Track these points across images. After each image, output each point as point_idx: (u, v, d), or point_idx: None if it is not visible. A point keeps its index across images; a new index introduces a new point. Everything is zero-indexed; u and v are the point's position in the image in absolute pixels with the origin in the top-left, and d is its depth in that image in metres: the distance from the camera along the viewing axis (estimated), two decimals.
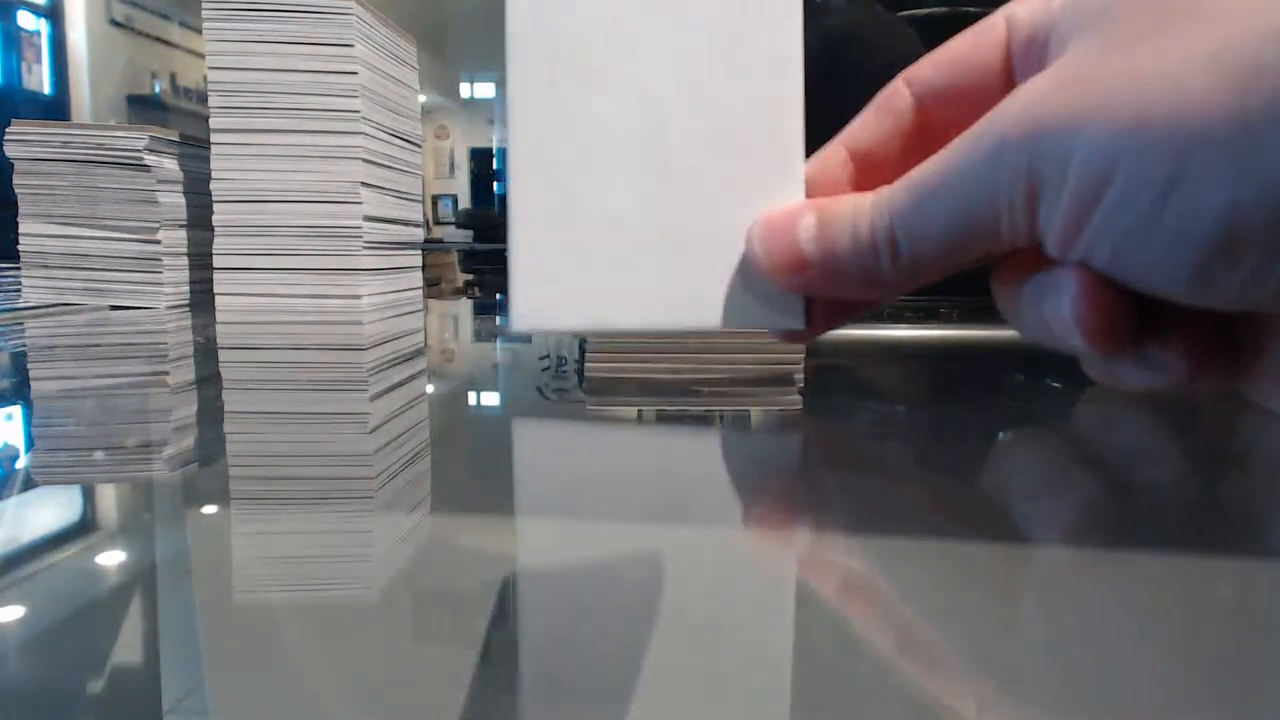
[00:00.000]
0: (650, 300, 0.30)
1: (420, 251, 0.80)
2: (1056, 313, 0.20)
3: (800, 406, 0.30)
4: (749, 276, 0.29)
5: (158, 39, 3.90)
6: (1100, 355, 0.20)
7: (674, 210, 0.30)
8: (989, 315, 0.33)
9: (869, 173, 0.27)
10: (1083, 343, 0.20)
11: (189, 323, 0.57)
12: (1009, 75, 0.23)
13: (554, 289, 0.30)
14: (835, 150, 0.28)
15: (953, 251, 0.22)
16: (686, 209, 0.30)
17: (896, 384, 0.38)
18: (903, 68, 0.27)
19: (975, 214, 0.21)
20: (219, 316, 0.58)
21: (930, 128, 0.25)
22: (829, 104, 0.30)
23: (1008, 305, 0.22)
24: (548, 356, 0.48)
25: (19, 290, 0.63)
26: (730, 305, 0.29)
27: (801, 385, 0.31)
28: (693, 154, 0.29)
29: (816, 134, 0.30)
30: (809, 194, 0.29)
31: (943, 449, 0.26)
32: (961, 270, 0.22)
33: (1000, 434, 0.28)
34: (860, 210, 0.23)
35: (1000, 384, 0.33)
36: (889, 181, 0.27)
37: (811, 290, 0.27)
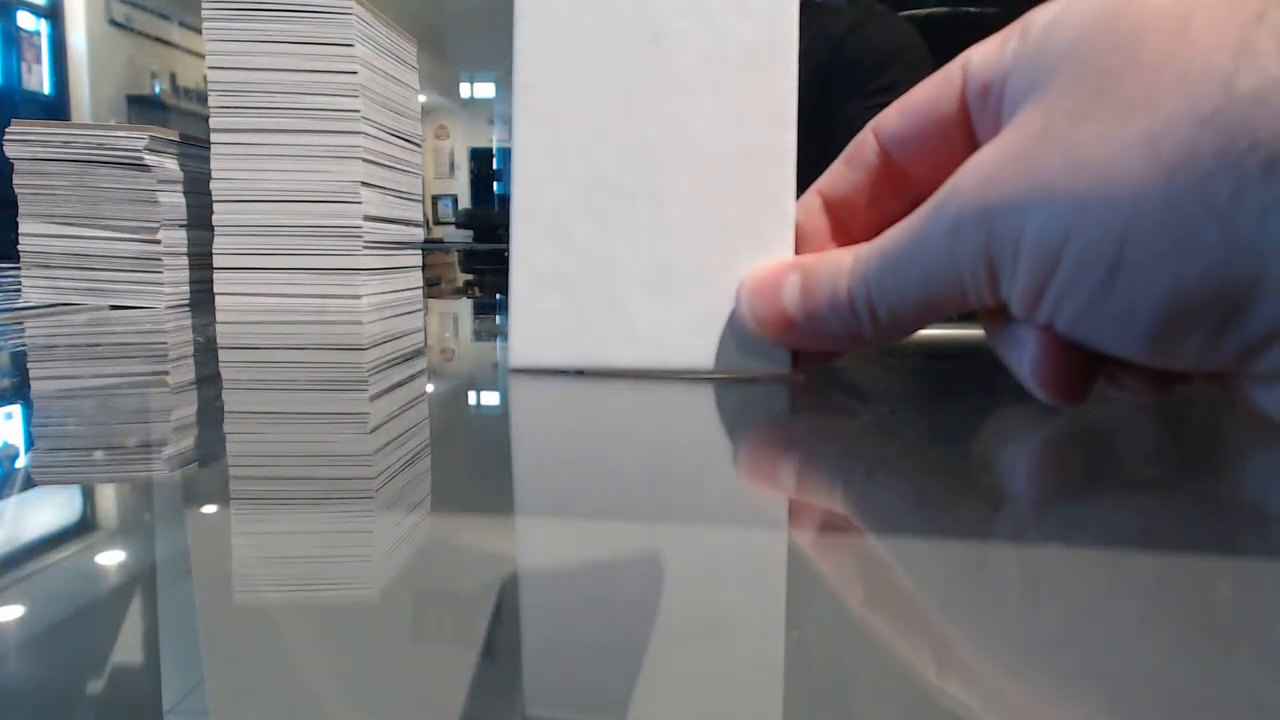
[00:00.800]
0: (643, 342, 0.30)
1: (420, 251, 0.80)
2: (1018, 365, 0.22)
3: (797, 378, 0.30)
4: (739, 322, 0.29)
5: (158, 39, 3.90)
6: (1057, 405, 0.21)
7: (668, 255, 0.30)
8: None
9: (844, 218, 0.28)
10: (1040, 395, 0.21)
11: (189, 323, 0.57)
12: (967, 124, 0.23)
13: (551, 329, 0.30)
14: (812, 198, 0.29)
15: (927, 312, 0.23)
16: (681, 254, 0.30)
17: (894, 383, 0.38)
18: (903, 64, 0.27)
19: (942, 284, 0.21)
20: (219, 316, 0.58)
21: (898, 174, 0.26)
22: (828, 101, 0.31)
23: (991, 341, 0.23)
24: None
25: (19, 290, 0.63)
26: (721, 349, 0.29)
27: (797, 380, 0.31)
28: (688, 201, 0.30)
29: (816, 133, 0.31)
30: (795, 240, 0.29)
31: (943, 448, 0.26)
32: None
33: (1000, 433, 0.28)
34: (840, 272, 0.24)
35: (999, 383, 0.33)
36: (863, 226, 0.27)
37: (799, 345, 0.28)
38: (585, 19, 0.30)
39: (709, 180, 0.30)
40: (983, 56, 0.22)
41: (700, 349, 0.30)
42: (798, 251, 0.29)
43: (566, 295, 0.31)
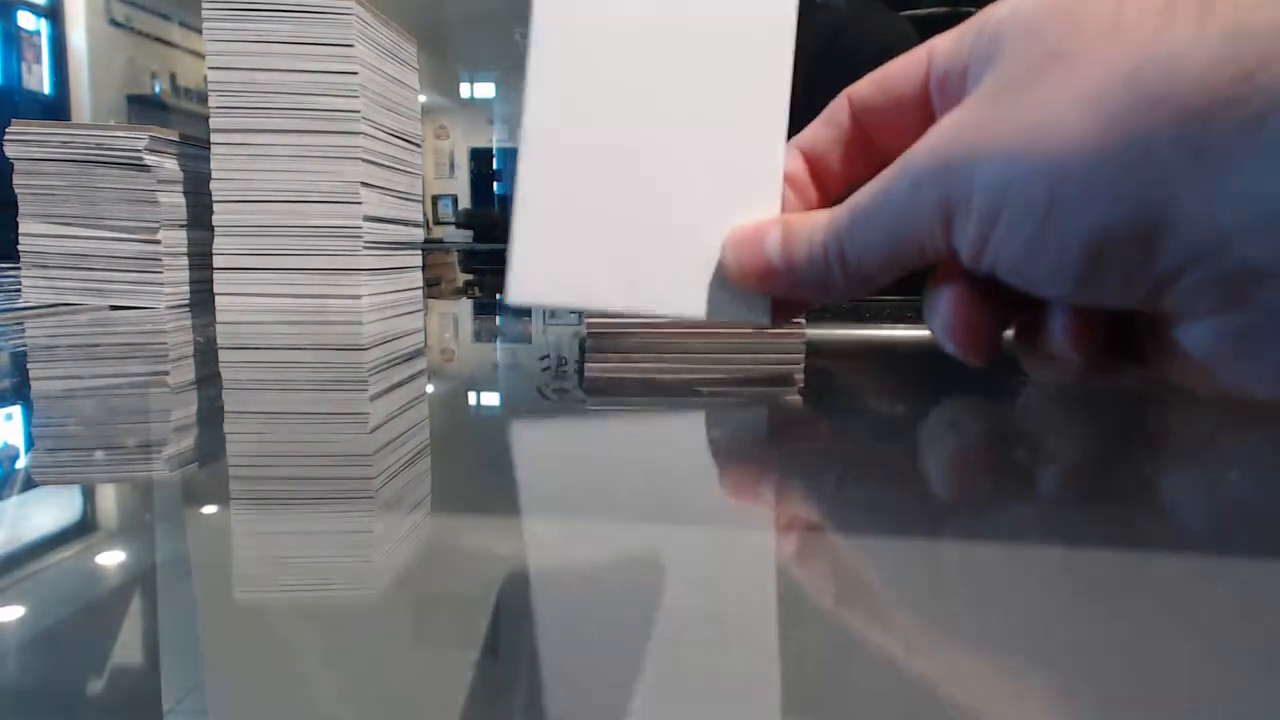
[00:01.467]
0: (636, 287, 0.31)
1: (420, 251, 0.80)
2: (932, 324, 0.24)
3: (801, 405, 0.30)
4: (724, 275, 0.30)
5: (158, 39, 3.90)
6: (972, 361, 0.23)
7: (665, 210, 0.31)
8: None
9: (819, 172, 0.31)
10: (956, 352, 0.24)
11: (189, 323, 0.57)
12: (927, 102, 0.26)
13: (550, 267, 0.32)
14: (794, 153, 0.31)
15: (890, 265, 0.25)
16: (676, 210, 0.31)
17: (896, 384, 0.38)
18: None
19: (903, 235, 0.24)
20: (219, 316, 0.58)
21: (865, 138, 0.29)
22: (826, 96, 0.32)
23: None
24: (548, 356, 0.48)
25: (19, 290, 0.63)
26: (709, 298, 0.31)
27: (801, 385, 0.31)
28: (685, 162, 0.32)
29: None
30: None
31: (944, 447, 0.26)
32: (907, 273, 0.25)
33: (1003, 433, 0.28)
34: (817, 229, 0.27)
35: (1000, 384, 0.33)
36: (836, 182, 0.30)
37: (776, 293, 0.30)
38: None
39: (705, 142, 0.32)
40: (945, 47, 0.25)
41: (688, 297, 0.32)
42: (784, 202, 0.32)
43: (566, 236, 0.32)
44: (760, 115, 0.32)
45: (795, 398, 0.31)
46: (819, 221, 0.27)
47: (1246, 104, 0.18)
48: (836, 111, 0.30)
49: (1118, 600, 0.14)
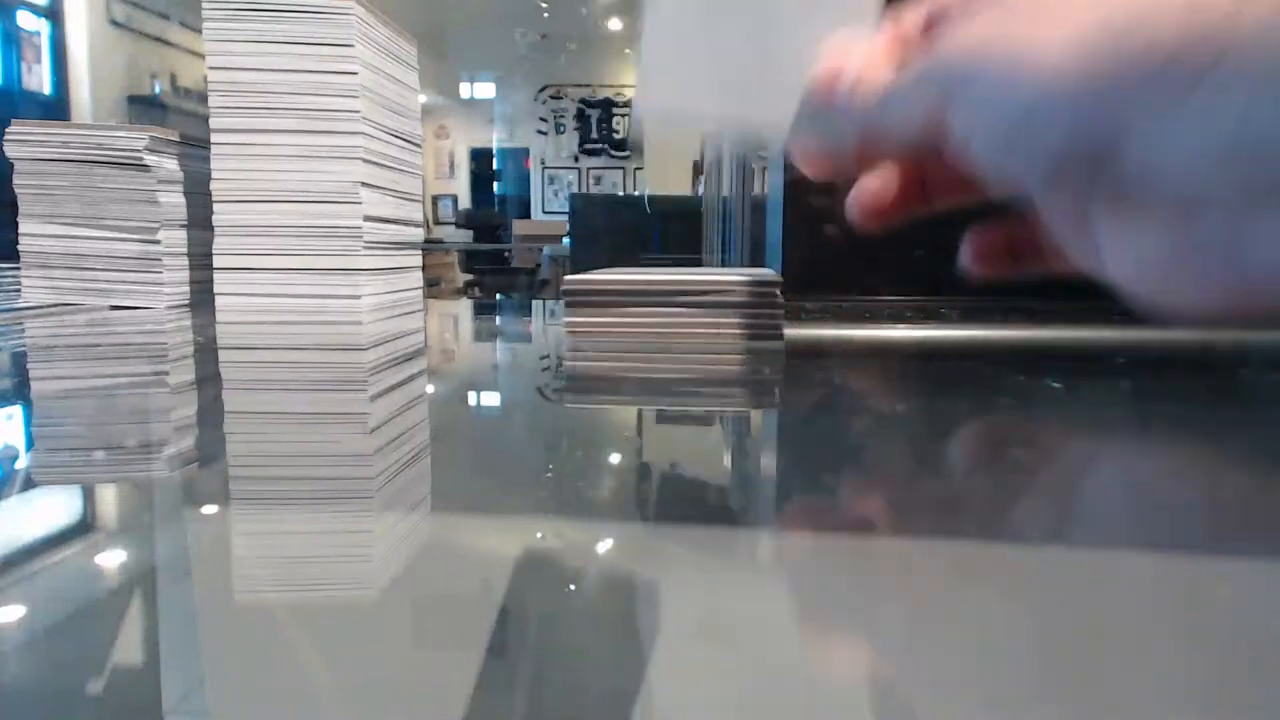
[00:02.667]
0: (743, 100, 0.35)
1: (420, 251, 0.80)
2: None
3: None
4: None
5: (158, 39, 3.90)
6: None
7: (772, 34, 0.35)
8: (989, 315, 0.34)
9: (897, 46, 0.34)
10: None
11: (189, 323, 0.57)
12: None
13: (672, 81, 0.36)
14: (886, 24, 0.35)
15: (898, 137, 0.29)
16: (783, 35, 0.35)
17: (896, 385, 0.38)
18: None
19: (910, 116, 0.28)
20: (219, 316, 0.58)
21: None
22: None
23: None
24: (548, 356, 0.48)
25: (19, 290, 0.63)
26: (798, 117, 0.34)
27: (780, 383, 0.31)
28: (789, 6, 0.35)
29: None
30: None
31: (943, 449, 0.26)
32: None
33: (1003, 433, 0.28)
34: (876, 85, 0.30)
35: (1001, 384, 0.33)
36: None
37: (829, 112, 0.33)
38: None
39: None
40: None
41: (784, 113, 0.34)
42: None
43: (687, 59, 0.35)
44: None
45: (775, 393, 0.31)
46: (880, 81, 0.30)
47: (1202, 51, 0.20)
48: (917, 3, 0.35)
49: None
